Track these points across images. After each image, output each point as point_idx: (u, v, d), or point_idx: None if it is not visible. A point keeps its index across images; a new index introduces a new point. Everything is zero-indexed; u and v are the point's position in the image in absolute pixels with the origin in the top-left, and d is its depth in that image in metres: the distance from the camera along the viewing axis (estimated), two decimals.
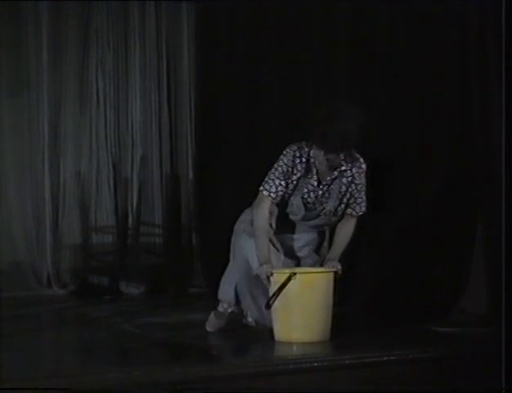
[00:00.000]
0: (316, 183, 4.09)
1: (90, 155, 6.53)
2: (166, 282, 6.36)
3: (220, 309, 4.29)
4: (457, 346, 3.96)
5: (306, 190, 4.11)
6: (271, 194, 4.08)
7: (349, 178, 4.11)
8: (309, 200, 4.13)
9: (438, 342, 4.03)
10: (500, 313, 3.66)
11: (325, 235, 4.32)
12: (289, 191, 4.10)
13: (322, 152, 4.00)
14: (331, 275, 4.10)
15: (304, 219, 4.18)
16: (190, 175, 6.63)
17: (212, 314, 4.33)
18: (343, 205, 4.15)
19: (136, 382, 3.36)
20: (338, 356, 3.79)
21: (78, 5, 6.50)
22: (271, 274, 4.01)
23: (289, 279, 4.00)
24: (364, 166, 4.11)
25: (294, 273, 4.02)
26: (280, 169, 4.06)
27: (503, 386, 3.53)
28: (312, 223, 4.21)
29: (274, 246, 4.15)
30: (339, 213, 4.18)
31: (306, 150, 4.07)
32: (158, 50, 6.60)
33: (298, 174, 4.07)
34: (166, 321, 4.94)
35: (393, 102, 5.02)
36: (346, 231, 4.18)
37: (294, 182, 4.09)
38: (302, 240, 4.25)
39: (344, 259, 4.20)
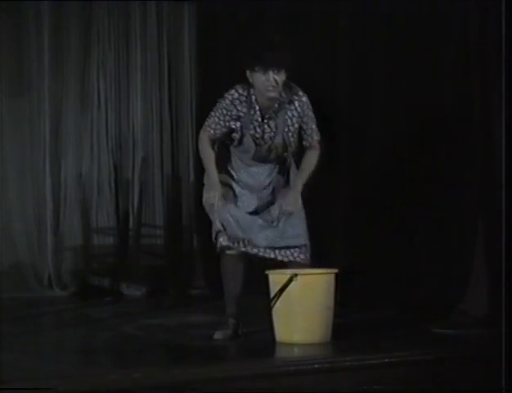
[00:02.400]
0: (260, 119, 4.22)
1: (91, 157, 6.53)
2: (167, 283, 6.36)
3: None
4: (458, 348, 3.95)
5: (252, 126, 4.23)
6: (210, 128, 4.28)
7: (294, 112, 4.23)
8: (257, 135, 4.23)
9: (439, 344, 4.02)
10: (501, 314, 3.65)
11: (287, 175, 4.36)
12: (238, 132, 4.24)
13: (260, 75, 4.11)
14: (332, 276, 4.09)
15: (256, 155, 4.27)
16: (192, 177, 6.62)
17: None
18: (291, 139, 4.25)
19: (136, 384, 3.36)
20: (339, 358, 3.78)
21: (80, 6, 6.51)
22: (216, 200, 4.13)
23: (290, 281, 4.00)
24: (305, 98, 4.25)
25: (296, 275, 4.02)
26: (219, 110, 4.25)
27: (503, 386, 3.52)
28: (267, 159, 4.29)
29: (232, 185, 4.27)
30: (291, 147, 4.28)
31: (246, 88, 4.22)
32: (159, 51, 6.60)
33: (241, 114, 4.22)
34: (167, 323, 4.93)
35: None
36: (306, 161, 4.29)
37: (238, 124, 4.23)
38: (264, 174, 4.30)
39: (346, 259, 4.19)
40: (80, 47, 6.53)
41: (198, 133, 4.41)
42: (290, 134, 4.25)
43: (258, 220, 4.24)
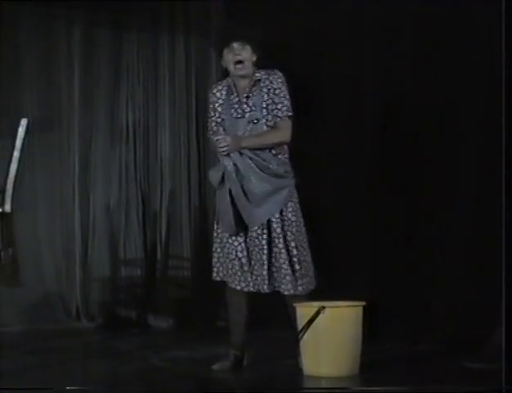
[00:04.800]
0: (236, 99, 4.33)
1: (119, 189, 6.58)
2: (194, 315, 6.35)
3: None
4: (488, 383, 3.90)
5: (232, 109, 4.33)
6: (212, 130, 4.42)
7: (268, 86, 4.32)
8: (238, 116, 4.32)
9: (468, 378, 3.97)
10: None
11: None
12: (218, 118, 4.38)
13: (227, 54, 4.29)
14: (360, 309, 4.08)
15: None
16: None
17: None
18: (270, 116, 4.31)
19: None
20: (367, 391, 3.75)
21: (109, 40, 6.60)
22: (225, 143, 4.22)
23: (317, 313, 3.99)
24: (279, 73, 4.36)
25: (323, 307, 4.01)
26: (210, 111, 4.43)
27: (503, 386, 3.46)
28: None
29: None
30: (269, 122, 4.31)
31: (224, 80, 4.40)
32: (187, 85, 6.66)
33: (221, 101, 4.36)
34: (194, 355, 4.93)
35: None
36: (266, 132, 4.30)
37: (219, 109, 4.37)
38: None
39: (374, 292, 4.17)
40: (109, 81, 6.61)
41: None
42: (269, 107, 4.30)
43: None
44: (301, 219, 4.34)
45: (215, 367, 4.31)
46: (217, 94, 4.39)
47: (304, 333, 4.00)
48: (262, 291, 4.29)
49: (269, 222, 4.27)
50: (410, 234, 5.13)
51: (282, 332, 4.46)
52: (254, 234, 4.28)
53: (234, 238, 4.32)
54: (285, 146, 4.38)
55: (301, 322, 4.06)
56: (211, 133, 4.43)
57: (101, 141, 6.57)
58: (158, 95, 6.65)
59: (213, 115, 4.41)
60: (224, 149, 4.23)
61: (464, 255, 4.80)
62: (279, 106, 4.31)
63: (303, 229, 4.35)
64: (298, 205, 4.34)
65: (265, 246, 4.25)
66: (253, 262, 4.28)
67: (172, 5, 6.60)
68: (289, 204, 4.29)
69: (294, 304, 4.18)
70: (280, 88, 4.31)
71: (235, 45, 4.27)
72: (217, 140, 4.28)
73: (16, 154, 4.77)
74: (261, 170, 4.26)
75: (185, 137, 6.64)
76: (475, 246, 4.73)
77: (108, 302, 6.44)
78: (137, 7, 6.48)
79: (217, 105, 4.38)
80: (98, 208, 6.53)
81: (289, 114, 4.32)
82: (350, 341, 4.01)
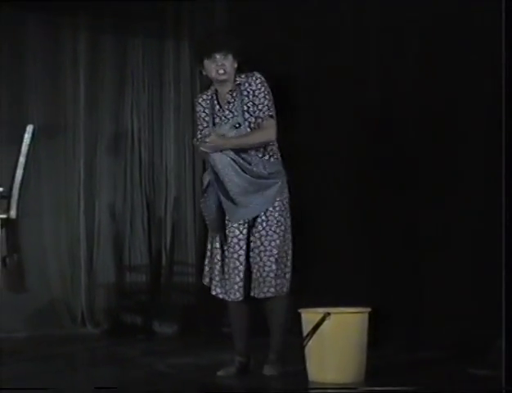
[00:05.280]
0: (218, 106, 4.36)
1: (124, 195, 6.59)
2: (199, 321, 6.35)
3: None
4: (495, 390, 3.89)
5: (217, 116, 4.35)
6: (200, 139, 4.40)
7: (247, 90, 4.32)
8: (220, 122, 4.33)
9: (474, 385, 3.96)
10: None
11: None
12: (206, 127, 4.39)
13: (210, 63, 4.28)
14: (366, 315, 4.08)
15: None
16: None
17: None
18: (252, 118, 4.30)
19: None
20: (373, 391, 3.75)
21: (114, 46, 6.62)
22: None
23: (323, 319, 3.98)
24: (258, 75, 4.35)
25: (329, 314, 4.00)
26: (197, 120, 4.44)
27: (503, 386, 3.45)
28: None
29: None
30: (253, 124, 4.31)
31: (208, 91, 4.42)
32: (192, 91, 6.67)
33: (206, 111, 4.37)
34: (199, 361, 4.92)
35: None
36: (251, 133, 4.29)
37: (206, 118, 4.37)
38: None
39: (379, 298, 4.16)
40: (114, 88, 6.63)
41: None
42: (251, 110, 4.30)
43: None
44: (288, 221, 4.32)
45: (220, 373, 4.32)
46: (203, 104, 4.40)
47: (309, 339, 4.00)
48: (233, 299, 4.28)
49: (252, 223, 4.26)
50: (411, 238, 5.12)
51: (289, 338, 4.44)
52: (235, 239, 4.27)
53: (218, 243, 4.32)
54: (275, 148, 4.37)
55: (306, 329, 4.06)
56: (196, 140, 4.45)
57: (106, 147, 6.59)
58: (163, 101, 6.66)
59: (199, 124, 4.44)
60: (208, 146, 4.23)
61: (468, 259, 4.79)
62: (260, 107, 4.30)
63: (289, 230, 4.33)
64: (286, 205, 4.32)
65: (242, 251, 4.25)
66: (227, 269, 4.27)
67: (176, 11, 6.62)
68: (277, 203, 4.27)
69: (299, 310, 4.17)
70: (259, 89, 4.30)
71: (218, 56, 4.28)
72: (201, 138, 4.31)
73: (22, 160, 4.79)
74: (243, 171, 4.25)
75: (190, 144, 6.64)
76: (479, 250, 4.72)
77: (113, 308, 6.44)
78: (142, 13, 6.50)
79: (203, 114, 4.39)
80: (103, 214, 6.54)
81: (271, 113, 4.30)
82: (355, 348, 4.01)
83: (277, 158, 4.37)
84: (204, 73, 4.36)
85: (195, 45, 4.50)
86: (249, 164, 4.27)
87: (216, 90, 4.40)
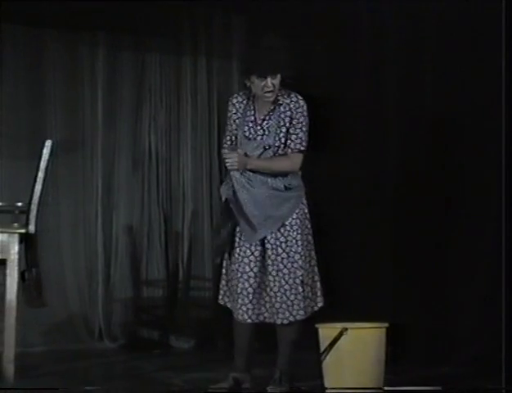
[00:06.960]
0: (253, 118, 4.27)
1: (142, 210, 6.61)
2: (216, 336, 6.35)
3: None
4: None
5: (246, 127, 4.27)
6: (226, 140, 4.36)
7: (287, 113, 4.24)
8: (249, 136, 4.25)
9: None
10: None
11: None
12: (235, 130, 4.33)
13: (260, 81, 4.18)
14: (383, 330, 4.07)
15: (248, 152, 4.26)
16: None
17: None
18: (282, 141, 4.23)
19: None
20: None
21: (132, 63, 6.67)
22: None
23: (340, 334, 3.98)
24: (302, 102, 4.26)
25: (346, 329, 4.00)
26: (228, 120, 4.36)
27: (503, 386, 3.42)
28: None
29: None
30: (280, 149, 4.24)
31: (246, 91, 4.31)
32: (209, 106, 6.70)
33: (239, 114, 4.29)
34: (215, 376, 4.91)
35: None
36: (278, 158, 4.23)
37: (237, 122, 4.30)
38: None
39: (397, 314, 4.14)
40: (132, 103, 6.67)
41: None
42: (282, 135, 4.23)
43: None
44: (309, 237, 4.25)
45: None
46: (236, 105, 4.33)
47: (327, 355, 3.99)
48: (240, 320, 4.24)
49: (265, 244, 4.19)
50: (429, 253, 5.11)
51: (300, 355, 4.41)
52: (246, 260, 4.20)
53: (238, 264, 4.23)
54: None
55: (323, 344, 4.05)
56: (225, 145, 4.36)
57: (124, 162, 6.62)
58: (180, 117, 6.69)
59: (228, 124, 4.37)
60: (230, 167, 4.22)
61: (488, 275, 4.77)
62: (293, 138, 4.22)
63: (312, 242, 4.26)
64: (305, 221, 4.24)
65: (252, 273, 4.18)
66: (236, 288, 4.23)
67: (194, 28, 6.67)
68: (294, 221, 4.19)
69: (317, 325, 4.17)
70: (298, 119, 4.21)
71: (269, 79, 4.17)
72: (224, 157, 4.28)
73: (41, 175, 4.81)
74: (261, 183, 4.21)
75: (207, 159, 6.68)
76: (499, 267, 4.70)
77: (130, 323, 6.45)
78: (160, 30, 6.55)
79: (234, 116, 4.32)
80: (121, 229, 6.57)
81: (302, 148, 4.23)
82: (373, 363, 4.00)
83: (296, 172, 4.33)
84: (248, 85, 4.26)
85: (246, 60, 4.33)
86: (264, 176, 4.23)
87: (254, 96, 4.29)
